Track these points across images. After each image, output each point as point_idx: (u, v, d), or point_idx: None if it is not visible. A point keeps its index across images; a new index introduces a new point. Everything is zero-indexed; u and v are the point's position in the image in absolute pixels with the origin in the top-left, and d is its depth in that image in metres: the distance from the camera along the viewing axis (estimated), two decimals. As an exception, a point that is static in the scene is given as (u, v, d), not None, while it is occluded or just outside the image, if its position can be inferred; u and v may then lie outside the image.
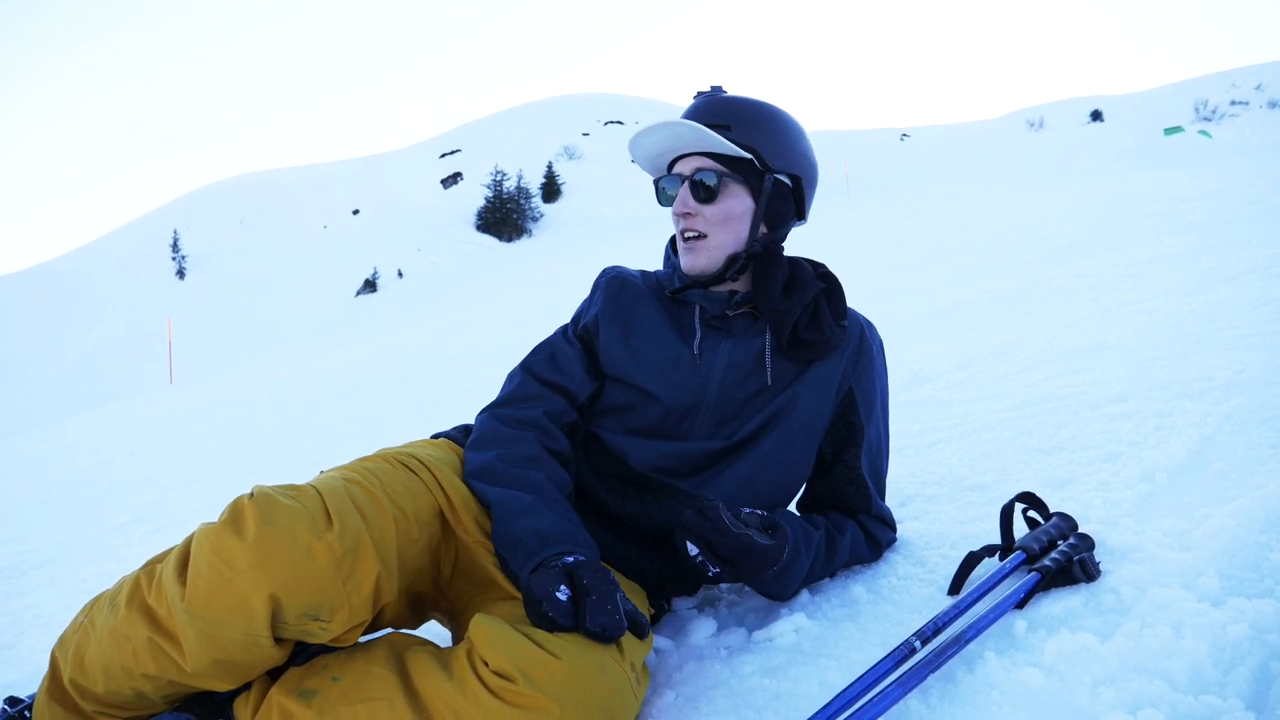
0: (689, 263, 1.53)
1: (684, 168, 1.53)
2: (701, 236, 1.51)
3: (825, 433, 1.59)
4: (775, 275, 1.53)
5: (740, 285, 1.56)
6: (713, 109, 1.51)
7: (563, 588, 1.18)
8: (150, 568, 1.24)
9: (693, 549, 1.31)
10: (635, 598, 1.41)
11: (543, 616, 1.16)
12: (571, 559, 1.24)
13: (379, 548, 1.20)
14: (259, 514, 1.11)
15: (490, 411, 1.55)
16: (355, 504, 1.21)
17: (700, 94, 1.56)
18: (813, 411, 1.55)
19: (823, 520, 1.55)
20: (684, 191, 1.51)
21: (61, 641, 1.28)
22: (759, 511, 1.39)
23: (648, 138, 1.52)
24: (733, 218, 1.50)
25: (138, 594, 1.19)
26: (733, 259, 1.52)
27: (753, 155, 1.49)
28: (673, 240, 1.70)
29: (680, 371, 1.53)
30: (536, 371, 1.59)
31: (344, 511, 1.18)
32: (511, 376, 1.62)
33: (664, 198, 1.57)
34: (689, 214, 1.50)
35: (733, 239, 1.51)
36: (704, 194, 1.50)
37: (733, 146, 1.46)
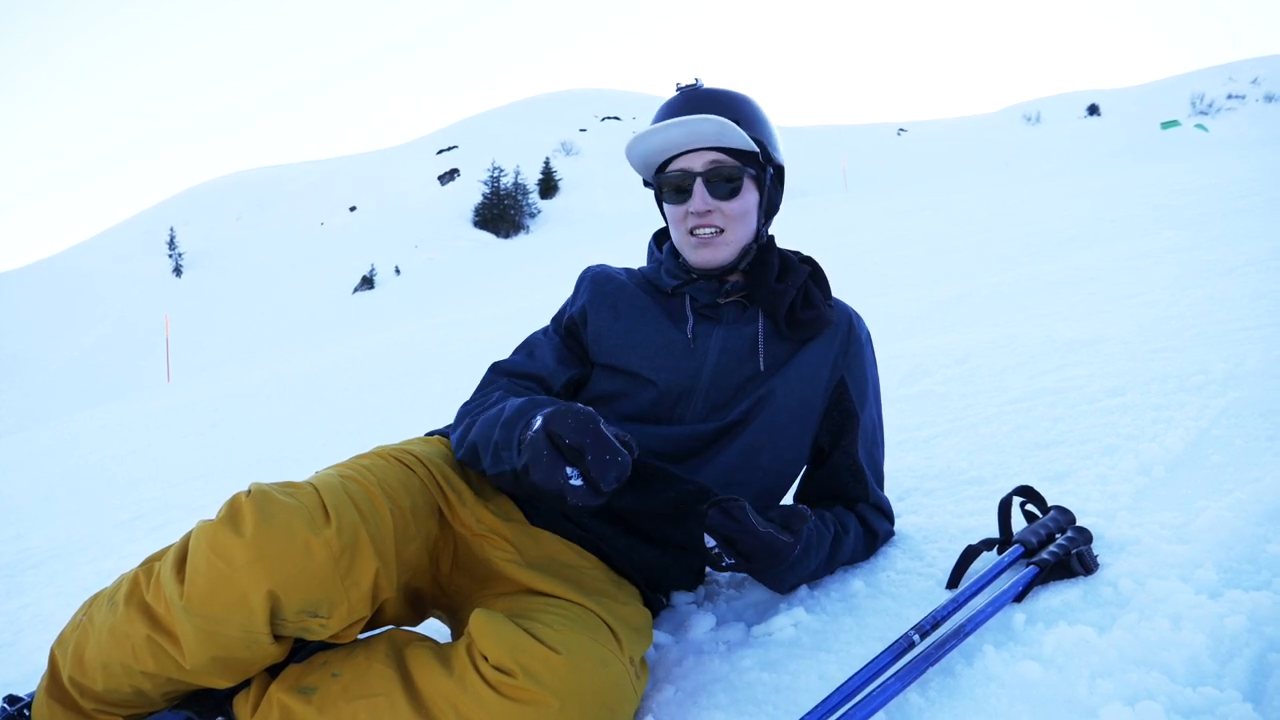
0: (706, 257, 1.51)
1: (693, 163, 1.49)
2: (720, 232, 1.50)
3: (820, 422, 1.59)
4: (772, 263, 1.56)
5: (730, 276, 1.57)
6: (714, 103, 1.49)
7: (568, 470, 1.13)
8: (149, 565, 1.24)
9: (709, 541, 1.28)
10: (630, 599, 1.41)
11: (572, 508, 1.27)
12: (539, 419, 1.18)
13: (376, 544, 1.20)
14: (257, 511, 1.11)
15: (463, 408, 1.55)
16: (352, 500, 1.21)
17: (686, 87, 1.54)
18: (802, 397, 1.55)
19: (832, 519, 1.54)
20: (700, 188, 1.48)
21: (60, 639, 1.28)
22: (784, 506, 1.36)
23: (660, 136, 1.47)
24: (748, 212, 1.51)
25: (136, 592, 1.20)
26: (745, 251, 1.54)
27: (759, 148, 1.49)
28: (656, 236, 1.70)
29: (674, 356, 1.53)
30: (506, 367, 1.60)
31: (341, 508, 1.18)
32: (484, 378, 1.62)
33: (674, 196, 1.52)
34: (709, 211, 1.48)
35: (746, 233, 1.53)
36: (725, 190, 1.48)
37: (750, 141, 1.46)
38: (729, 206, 1.49)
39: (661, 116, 1.51)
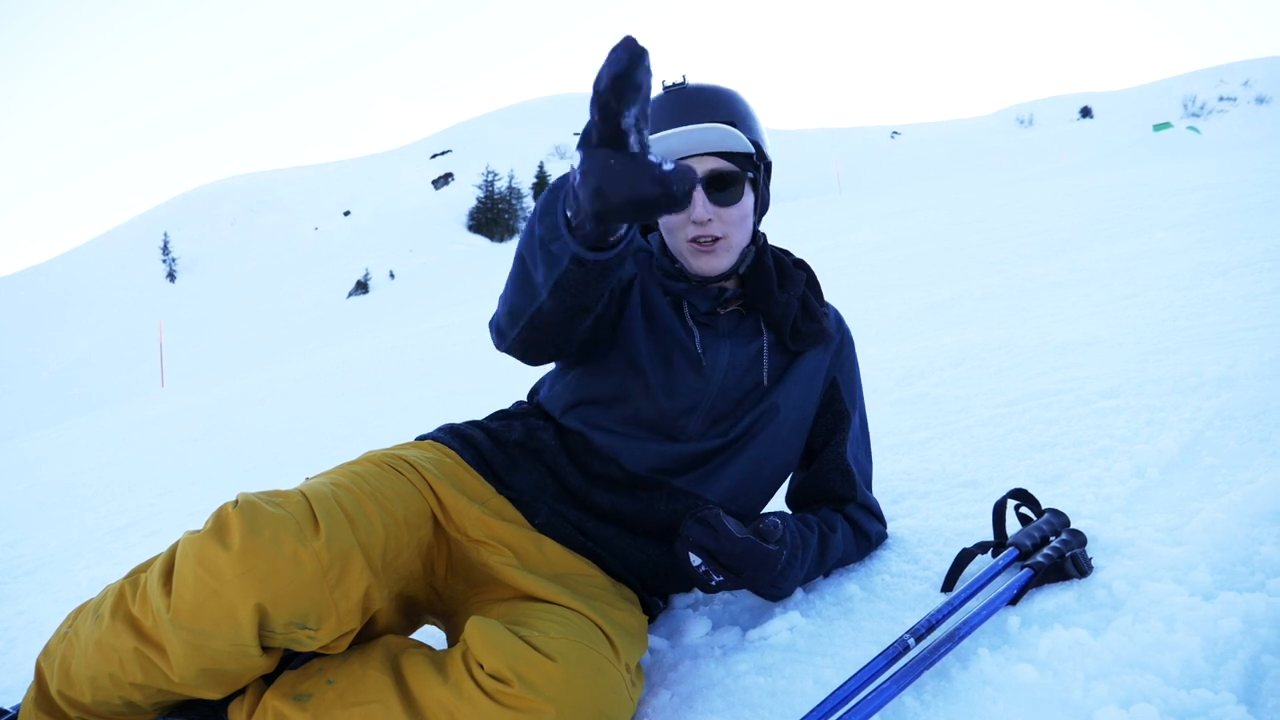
0: (710, 265, 1.47)
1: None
2: (719, 239, 1.45)
3: (813, 424, 1.61)
4: (768, 266, 1.53)
5: (727, 282, 1.55)
6: (709, 105, 1.45)
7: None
8: (134, 577, 1.23)
9: (695, 559, 1.31)
10: (627, 603, 1.40)
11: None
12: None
13: (367, 553, 1.19)
14: (244, 523, 1.10)
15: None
16: (342, 509, 1.19)
17: (673, 87, 1.49)
18: (801, 406, 1.56)
19: (816, 520, 1.54)
20: (701, 197, 1.42)
21: (46, 652, 1.27)
22: (757, 524, 1.36)
23: (658, 147, 1.39)
24: (746, 216, 1.47)
25: (122, 604, 1.18)
26: (743, 255, 1.51)
27: (755, 149, 1.47)
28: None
29: (683, 370, 1.49)
30: None
31: (331, 517, 1.16)
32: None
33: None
34: (709, 220, 1.43)
35: (744, 237, 1.49)
36: (726, 197, 1.43)
37: (749, 144, 1.43)
38: (729, 213, 1.44)
39: (651, 120, 1.45)
